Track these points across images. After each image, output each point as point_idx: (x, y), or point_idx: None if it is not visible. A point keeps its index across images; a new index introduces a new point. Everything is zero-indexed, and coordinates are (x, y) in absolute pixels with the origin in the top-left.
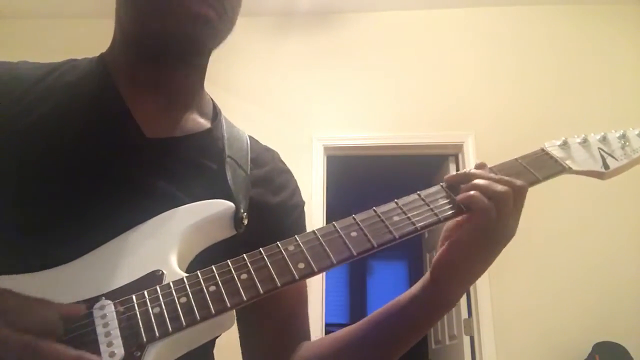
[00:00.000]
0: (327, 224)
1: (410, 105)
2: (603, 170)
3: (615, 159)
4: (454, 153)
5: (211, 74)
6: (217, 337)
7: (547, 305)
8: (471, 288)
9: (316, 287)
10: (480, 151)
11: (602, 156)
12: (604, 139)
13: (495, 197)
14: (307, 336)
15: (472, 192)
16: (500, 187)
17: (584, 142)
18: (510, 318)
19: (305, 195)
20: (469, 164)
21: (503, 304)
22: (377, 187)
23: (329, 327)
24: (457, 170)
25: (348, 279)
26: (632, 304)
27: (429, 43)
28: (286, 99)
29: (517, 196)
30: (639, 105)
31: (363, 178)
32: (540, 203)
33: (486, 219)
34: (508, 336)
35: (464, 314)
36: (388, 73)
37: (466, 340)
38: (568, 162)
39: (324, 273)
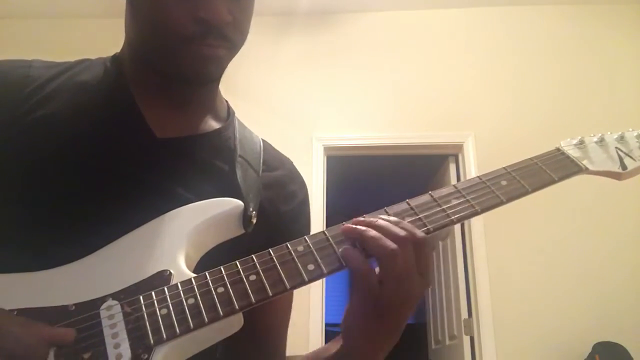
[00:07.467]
0: (326, 224)
1: (410, 105)
2: (620, 170)
3: (633, 159)
4: (454, 153)
5: None
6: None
7: (547, 305)
8: (471, 288)
9: (316, 287)
10: (480, 151)
11: (619, 156)
12: (621, 139)
13: (380, 253)
14: (281, 356)
15: (346, 248)
16: (388, 243)
17: (601, 141)
18: (510, 318)
19: None
20: (469, 164)
21: (503, 304)
22: (377, 187)
23: (329, 327)
24: (457, 170)
25: (348, 279)
26: (632, 304)
27: (429, 43)
28: (286, 99)
29: (416, 251)
30: (639, 106)
31: (363, 178)
32: (540, 203)
33: (365, 283)
34: (508, 336)
35: (464, 314)
36: (388, 73)
37: (466, 340)
38: (585, 162)
39: None
